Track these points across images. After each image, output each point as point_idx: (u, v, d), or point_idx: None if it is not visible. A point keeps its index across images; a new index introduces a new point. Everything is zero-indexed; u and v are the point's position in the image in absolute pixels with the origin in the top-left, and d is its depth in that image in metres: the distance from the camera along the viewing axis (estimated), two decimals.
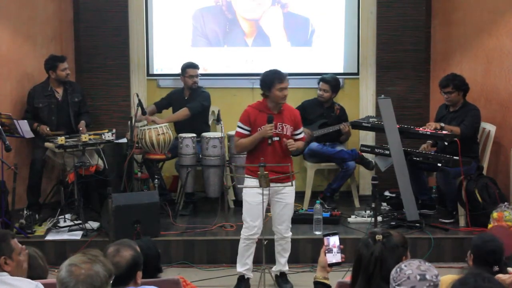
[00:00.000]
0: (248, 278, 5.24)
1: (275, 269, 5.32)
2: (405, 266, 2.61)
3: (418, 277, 2.55)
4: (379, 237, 2.91)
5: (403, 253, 3.33)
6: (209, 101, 6.95)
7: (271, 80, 5.06)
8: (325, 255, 3.19)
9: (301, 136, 5.27)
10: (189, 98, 6.90)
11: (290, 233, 5.29)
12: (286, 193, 5.15)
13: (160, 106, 7.07)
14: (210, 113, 7.19)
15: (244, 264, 5.19)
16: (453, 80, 6.23)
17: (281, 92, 5.06)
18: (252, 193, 5.06)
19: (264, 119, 5.06)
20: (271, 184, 4.90)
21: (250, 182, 5.09)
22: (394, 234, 3.27)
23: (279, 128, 5.09)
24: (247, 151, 5.24)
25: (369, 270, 2.86)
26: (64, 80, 6.58)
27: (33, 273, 3.35)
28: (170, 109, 7.07)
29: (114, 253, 3.04)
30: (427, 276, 2.56)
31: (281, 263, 5.31)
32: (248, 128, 5.13)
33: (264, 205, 4.97)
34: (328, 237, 3.20)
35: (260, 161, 4.85)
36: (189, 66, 6.92)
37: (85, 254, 2.53)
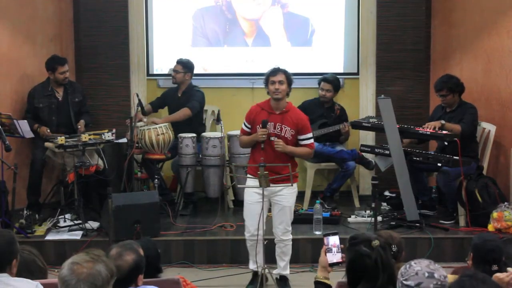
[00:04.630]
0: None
1: (276, 272, 5.29)
2: (415, 263, 2.63)
3: (427, 274, 2.57)
4: (375, 243, 2.90)
5: (391, 248, 3.36)
6: (204, 100, 6.92)
7: (266, 75, 5.11)
8: (325, 255, 3.19)
9: (306, 142, 5.12)
10: (183, 97, 6.85)
11: (290, 237, 5.23)
12: (283, 195, 5.06)
13: (156, 106, 7.05)
14: (210, 113, 7.18)
15: (254, 262, 5.21)
16: (446, 83, 6.21)
17: (272, 86, 5.04)
18: (249, 192, 5.08)
19: (263, 118, 5.06)
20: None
21: (251, 181, 5.10)
22: (380, 233, 3.28)
23: (278, 128, 5.05)
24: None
25: (378, 278, 2.86)
26: (62, 83, 6.57)
27: (31, 272, 3.34)
28: (166, 108, 7.06)
29: (116, 256, 3.02)
30: (436, 275, 2.57)
31: (281, 266, 5.28)
32: (249, 126, 5.15)
33: (264, 205, 4.92)
34: (328, 236, 3.21)
35: (260, 161, 4.84)
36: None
37: (88, 253, 2.53)
